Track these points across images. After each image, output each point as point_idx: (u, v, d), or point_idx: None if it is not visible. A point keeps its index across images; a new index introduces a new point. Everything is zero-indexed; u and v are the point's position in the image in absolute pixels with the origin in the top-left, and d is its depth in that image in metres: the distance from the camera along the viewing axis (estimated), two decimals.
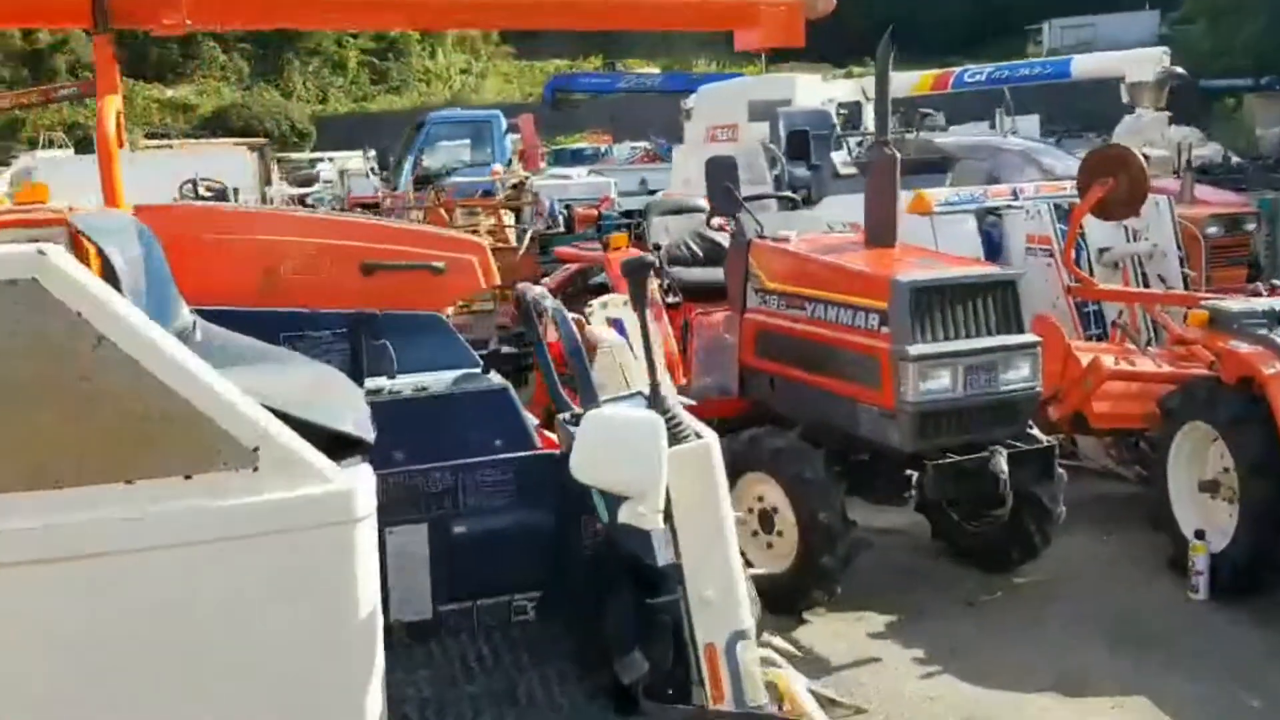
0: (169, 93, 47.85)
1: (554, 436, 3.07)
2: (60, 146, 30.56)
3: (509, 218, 11.16)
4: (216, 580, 1.97)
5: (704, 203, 6.25)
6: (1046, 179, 8.31)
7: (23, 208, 3.70)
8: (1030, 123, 20.77)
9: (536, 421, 3.25)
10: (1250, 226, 9.13)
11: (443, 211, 10.81)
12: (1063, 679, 4.46)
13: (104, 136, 3.30)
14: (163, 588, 1.94)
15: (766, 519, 5.06)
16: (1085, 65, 12.02)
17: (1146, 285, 7.29)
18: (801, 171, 8.84)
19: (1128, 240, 7.38)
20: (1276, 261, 10.05)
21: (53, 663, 1.87)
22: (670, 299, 6.33)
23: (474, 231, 9.90)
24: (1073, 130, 22.95)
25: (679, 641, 2.48)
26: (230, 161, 18.16)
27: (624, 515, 2.30)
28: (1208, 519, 5.21)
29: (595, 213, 11.36)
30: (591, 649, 2.70)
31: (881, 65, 5.37)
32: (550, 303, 2.73)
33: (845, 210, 7.13)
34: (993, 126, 14.00)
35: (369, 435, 2.27)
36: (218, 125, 41.94)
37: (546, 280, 9.19)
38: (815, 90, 11.33)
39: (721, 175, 5.57)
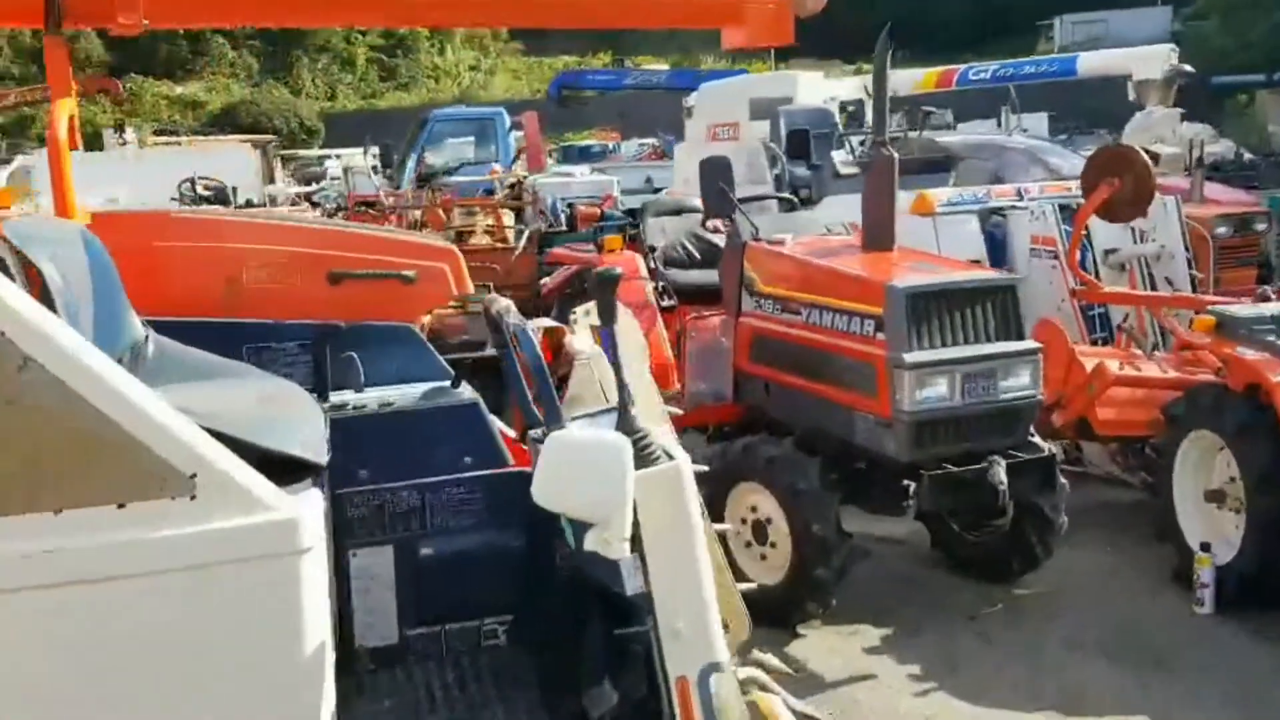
0: (178, 89, 47.99)
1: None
2: None
3: (509, 218, 11.04)
4: (151, 615, 1.86)
5: (701, 203, 6.14)
6: (1052, 179, 8.18)
7: None
8: (1039, 120, 20.61)
9: (516, 435, 3.14)
10: (1261, 226, 8.98)
11: (440, 211, 10.70)
12: (1064, 696, 4.36)
13: (54, 140, 3.17)
14: (92, 623, 1.83)
15: (760, 530, 4.95)
16: (1091, 63, 11.90)
17: (1154, 288, 7.16)
18: (802, 171, 8.73)
19: (1135, 242, 7.25)
20: None
21: None
22: (665, 302, 6.23)
23: (471, 232, 9.81)
24: (1083, 127, 22.78)
25: (651, 672, 2.36)
26: (233, 159, 18.12)
27: (589, 543, 2.18)
28: (1214, 530, 5.10)
29: (598, 211, 11.24)
30: (564, 676, 2.59)
31: (879, 63, 5.24)
32: (513, 318, 2.62)
33: (846, 211, 6.99)
34: (1001, 125, 13.88)
35: (321, 458, 2.15)
36: (226, 122, 42.05)
37: (546, 280, 9.10)
38: (818, 88, 11.23)
39: (716, 176, 5.47)
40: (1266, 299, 5.82)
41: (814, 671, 4.57)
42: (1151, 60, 10.53)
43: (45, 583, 1.81)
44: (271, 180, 19.10)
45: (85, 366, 1.82)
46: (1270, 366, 4.82)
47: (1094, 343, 6.79)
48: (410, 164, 16.77)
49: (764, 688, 3.02)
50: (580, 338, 3.29)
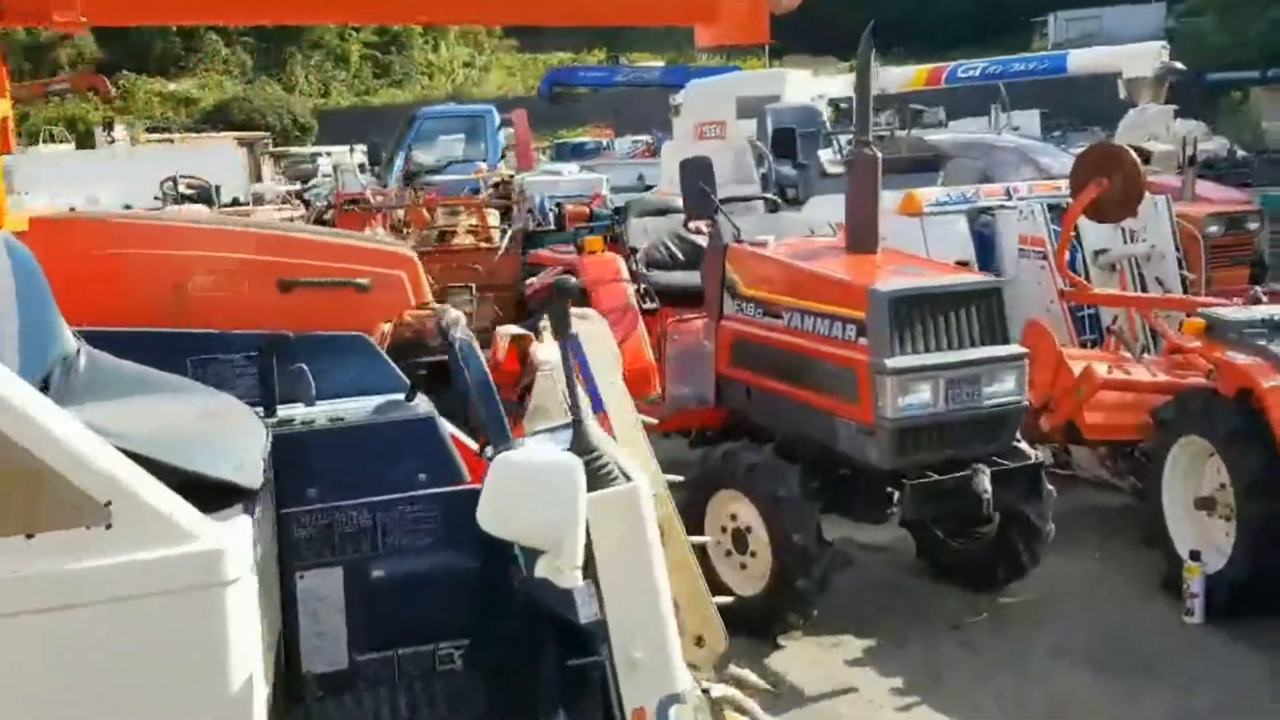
0: (171, 86, 47.82)
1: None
2: (61, 142, 30.45)
3: (494, 217, 10.91)
4: (64, 652, 1.75)
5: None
6: (1042, 178, 8.07)
7: None
8: (1031, 118, 20.52)
9: (478, 448, 3.02)
10: (1253, 225, 8.86)
11: (424, 210, 10.57)
12: (1051, 705, 4.28)
13: None
14: None
15: (740, 539, 4.85)
16: (1082, 60, 11.80)
17: (1144, 288, 7.04)
18: (788, 170, 8.61)
19: (1125, 242, 7.13)
20: None
21: None
22: (648, 304, 6.11)
23: (454, 232, 9.68)
24: (1076, 125, 22.70)
25: (609, 701, 2.26)
26: (221, 157, 18.01)
27: (540, 569, 2.07)
28: (1204, 537, 5.00)
29: (587, 210, 11.09)
30: (521, 703, 2.48)
31: (863, 61, 5.14)
32: (460, 333, 2.51)
33: (832, 210, 6.86)
34: (991, 123, 13.77)
35: (254, 482, 2.04)
36: (219, 119, 41.89)
37: (532, 281, 8.96)
38: (806, 85, 11.10)
39: (696, 176, 5.36)
40: (1258, 300, 5.72)
41: (794, 684, 4.46)
42: (1141, 58, 10.41)
43: None
44: (259, 178, 18.98)
45: None
46: (1261, 371, 4.72)
47: (1083, 345, 6.69)
48: (398, 162, 16.65)
49: (739, 708, 2.92)
50: (546, 346, 3.18)
